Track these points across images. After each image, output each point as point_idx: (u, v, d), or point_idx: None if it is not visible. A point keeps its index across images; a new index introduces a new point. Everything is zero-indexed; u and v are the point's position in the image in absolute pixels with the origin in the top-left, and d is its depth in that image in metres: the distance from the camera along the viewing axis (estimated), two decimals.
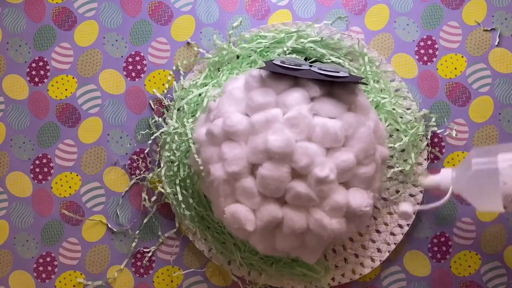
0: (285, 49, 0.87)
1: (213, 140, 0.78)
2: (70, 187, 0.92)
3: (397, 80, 0.90)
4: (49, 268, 0.92)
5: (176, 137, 0.87)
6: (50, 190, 0.92)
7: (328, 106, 0.76)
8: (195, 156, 0.81)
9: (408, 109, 0.90)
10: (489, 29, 0.92)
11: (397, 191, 0.90)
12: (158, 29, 0.93)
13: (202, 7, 0.92)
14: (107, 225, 0.92)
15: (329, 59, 0.87)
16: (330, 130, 0.74)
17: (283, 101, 0.76)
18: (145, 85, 0.93)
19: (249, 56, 0.89)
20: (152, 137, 0.91)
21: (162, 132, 0.89)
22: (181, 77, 0.91)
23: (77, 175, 0.92)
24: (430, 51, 0.92)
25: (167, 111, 0.90)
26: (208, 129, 0.78)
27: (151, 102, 0.92)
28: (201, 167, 0.80)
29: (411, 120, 0.88)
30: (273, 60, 0.80)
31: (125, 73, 0.93)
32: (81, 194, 0.92)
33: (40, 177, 0.92)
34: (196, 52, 0.92)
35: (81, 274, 0.92)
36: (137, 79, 0.93)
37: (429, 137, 0.90)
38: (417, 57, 0.92)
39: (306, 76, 0.76)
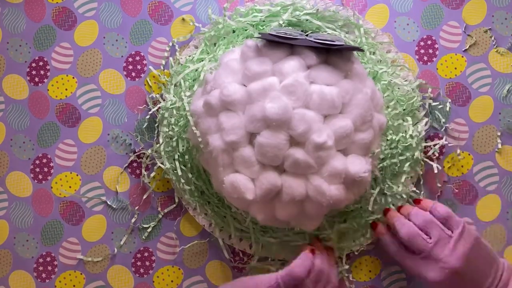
0: (280, 22, 0.87)
1: (211, 111, 0.78)
2: (70, 187, 0.92)
3: (393, 51, 0.90)
4: (49, 268, 0.92)
5: (174, 112, 0.87)
6: (50, 190, 0.92)
7: (324, 74, 0.76)
8: (193, 128, 0.81)
9: (405, 80, 0.90)
10: (489, 29, 0.92)
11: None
12: (158, 29, 0.93)
13: (202, 7, 0.92)
14: (107, 225, 0.92)
15: (325, 31, 0.87)
16: (327, 96, 0.75)
17: (280, 69, 0.77)
18: (145, 85, 0.93)
19: (245, 30, 0.89)
20: (150, 112, 0.91)
21: (159, 108, 0.89)
22: (177, 52, 0.91)
23: (77, 175, 0.92)
24: (430, 51, 0.92)
25: (164, 87, 0.90)
26: (206, 100, 0.78)
27: (148, 79, 0.92)
28: (200, 139, 0.80)
29: (408, 91, 0.88)
30: (269, 31, 0.80)
31: (125, 73, 0.93)
32: (81, 194, 0.92)
33: (40, 177, 0.92)
34: (192, 28, 0.92)
35: (81, 274, 0.92)
36: (137, 79, 0.93)
37: (426, 107, 0.90)
38: (417, 57, 0.92)
39: (302, 44, 0.76)
